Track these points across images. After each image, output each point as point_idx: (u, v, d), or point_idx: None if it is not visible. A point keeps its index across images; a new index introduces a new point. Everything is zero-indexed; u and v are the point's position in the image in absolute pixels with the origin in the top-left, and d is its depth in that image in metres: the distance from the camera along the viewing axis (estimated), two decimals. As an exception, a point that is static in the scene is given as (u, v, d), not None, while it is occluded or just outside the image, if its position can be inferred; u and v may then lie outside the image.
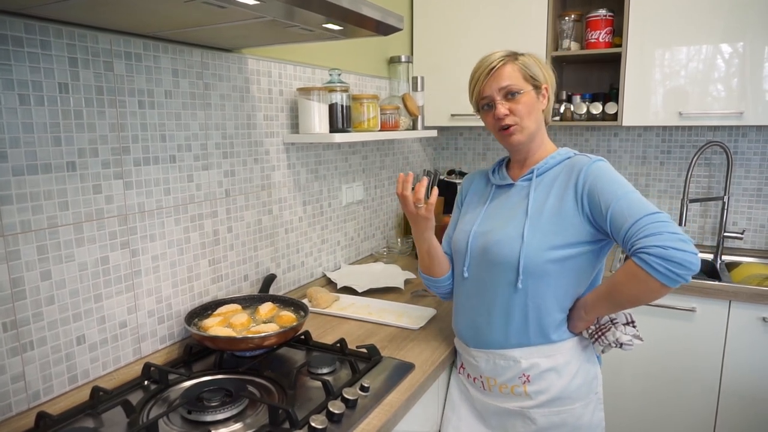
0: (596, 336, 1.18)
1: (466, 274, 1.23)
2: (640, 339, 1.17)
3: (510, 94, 1.15)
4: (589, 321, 1.17)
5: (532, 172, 1.20)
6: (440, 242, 1.35)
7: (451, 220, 1.41)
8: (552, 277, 1.13)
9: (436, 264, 1.31)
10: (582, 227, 1.11)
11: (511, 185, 1.24)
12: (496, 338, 1.19)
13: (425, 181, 1.20)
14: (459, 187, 1.41)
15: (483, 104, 1.19)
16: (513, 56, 1.17)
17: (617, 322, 1.17)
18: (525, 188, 1.21)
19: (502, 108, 1.15)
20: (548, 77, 1.20)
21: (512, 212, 1.19)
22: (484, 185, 1.32)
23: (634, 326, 1.18)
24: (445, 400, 1.36)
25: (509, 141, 1.19)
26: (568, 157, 1.19)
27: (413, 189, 1.20)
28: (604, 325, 1.18)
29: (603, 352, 1.21)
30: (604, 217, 1.07)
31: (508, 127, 1.17)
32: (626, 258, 2.21)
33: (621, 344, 1.16)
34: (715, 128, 2.26)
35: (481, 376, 1.24)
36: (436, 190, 1.20)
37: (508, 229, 1.16)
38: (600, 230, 1.11)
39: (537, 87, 1.18)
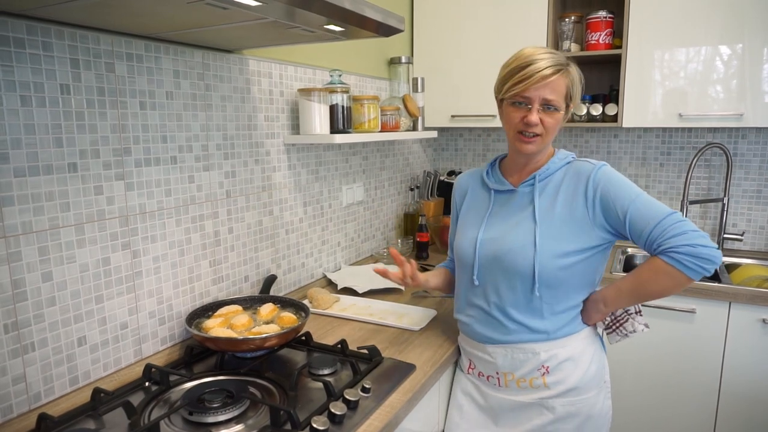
0: (614, 327, 1.24)
1: (476, 282, 1.23)
2: (648, 326, 1.24)
3: (548, 107, 1.13)
4: (606, 314, 1.22)
5: (533, 177, 1.20)
6: (445, 244, 1.40)
7: (450, 228, 1.42)
8: (564, 281, 1.15)
9: (443, 291, 1.45)
10: (592, 233, 1.14)
11: (512, 191, 1.23)
12: (514, 336, 1.20)
13: (408, 267, 1.30)
14: (452, 191, 1.40)
15: (517, 101, 1.14)
16: (566, 68, 1.13)
17: (631, 312, 1.23)
18: (528, 194, 1.21)
19: (536, 116, 1.12)
20: (579, 96, 1.18)
21: (518, 219, 1.19)
22: (481, 188, 1.31)
23: (641, 314, 1.24)
24: (449, 402, 1.36)
25: (524, 148, 1.16)
26: (568, 162, 1.20)
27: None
28: (620, 316, 1.24)
29: (618, 341, 1.26)
30: (622, 223, 1.11)
31: (532, 135, 1.14)
32: (625, 258, 2.22)
33: (634, 332, 1.23)
34: (715, 130, 2.26)
35: (497, 373, 1.24)
36: (414, 278, 1.31)
37: (519, 237, 1.16)
38: (613, 233, 1.15)
39: (568, 107, 1.17)
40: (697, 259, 1.05)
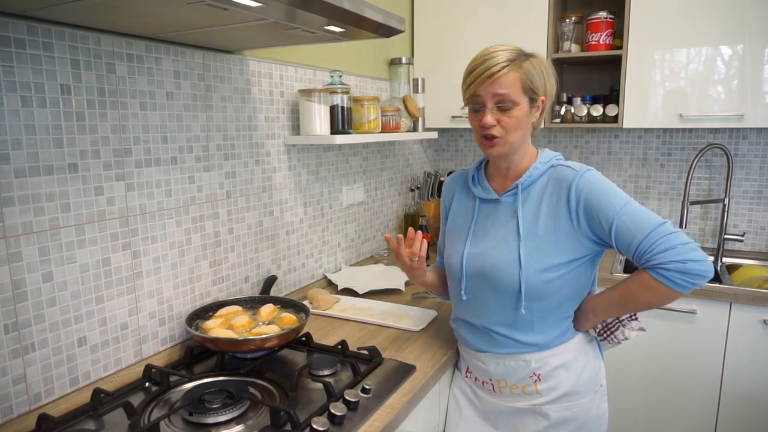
0: (605, 335, 1.22)
1: (464, 297, 1.22)
2: (644, 329, 1.21)
3: (502, 105, 1.09)
4: (596, 322, 1.20)
5: (516, 186, 1.16)
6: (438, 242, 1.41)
7: (440, 232, 1.40)
8: (552, 293, 1.13)
9: (435, 290, 1.39)
10: (578, 243, 1.11)
11: (496, 201, 1.19)
12: (505, 348, 1.19)
13: (419, 235, 1.25)
14: (442, 194, 1.37)
15: (473, 105, 1.12)
16: (519, 60, 1.08)
17: (623, 319, 1.20)
18: (512, 205, 1.17)
19: (491, 117, 1.09)
20: (549, 88, 1.13)
21: (503, 232, 1.16)
22: (467, 196, 1.27)
23: (636, 319, 1.21)
24: (448, 403, 1.36)
25: (488, 152, 1.14)
26: (552, 166, 1.15)
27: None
28: (611, 324, 1.21)
29: (610, 348, 1.25)
30: (607, 233, 1.06)
31: (492, 137, 1.11)
32: (626, 259, 2.22)
33: (626, 339, 1.20)
34: (716, 130, 2.26)
35: (491, 379, 1.23)
36: (425, 244, 1.26)
37: (503, 253, 1.14)
38: (600, 243, 1.11)
39: (533, 99, 1.11)
40: (687, 276, 1.01)
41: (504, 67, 1.07)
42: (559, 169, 1.14)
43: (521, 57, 1.09)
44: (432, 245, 2.27)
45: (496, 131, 1.10)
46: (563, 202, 1.10)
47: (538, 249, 1.11)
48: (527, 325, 1.16)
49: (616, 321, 1.21)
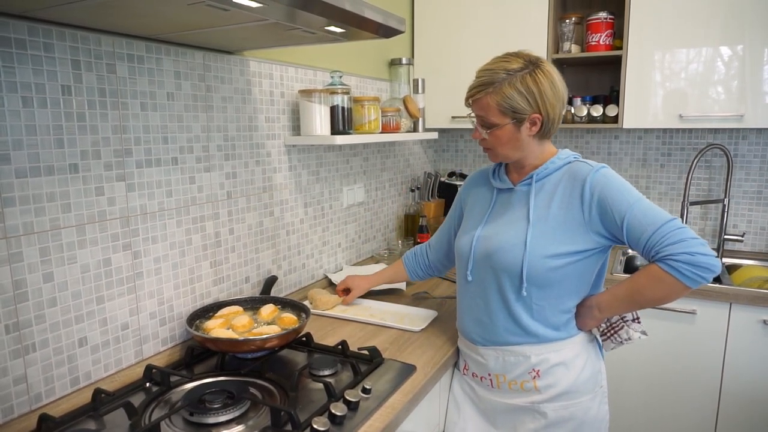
0: (609, 334, 1.23)
1: (470, 278, 1.23)
2: (646, 334, 1.22)
3: (484, 124, 1.16)
4: (601, 320, 1.20)
5: (531, 177, 1.20)
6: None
7: (445, 221, 1.45)
8: (554, 283, 1.14)
9: (398, 281, 1.63)
10: (587, 236, 1.12)
11: (511, 189, 1.23)
12: (503, 337, 1.20)
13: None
14: (459, 188, 1.42)
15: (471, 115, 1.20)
16: (499, 84, 1.09)
17: (627, 320, 1.21)
18: (525, 193, 1.20)
19: (478, 132, 1.18)
20: (545, 103, 1.11)
21: (513, 217, 1.19)
22: (486, 189, 1.31)
23: (639, 322, 1.22)
24: (448, 401, 1.36)
25: (489, 157, 1.23)
26: (569, 162, 1.18)
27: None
28: (615, 323, 1.22)
29: (613, 348, 1.25)
30: (619, 227, 1.09)
31: (485, 148, 1.20)
32: (626, 259, 2.22)
33: (630, 339, 1.21)
34: (716, 131, 2.26)
35: (489, 374, 1.24)
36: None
37: (510, 236, 1.16)
38: (609, 238, 1.13)
39: (519, 119, 1.12)
40: (695, 268, 1.03)
41: (479, 92, 1.13)
42: (575, 164, 1.17)
43: (507, 78, 1.10)
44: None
45: (485, 144, 1.19)
46: (577, 194, 1.13)
47: (546, 235, 1.13)
48: (527, 311, 1.16)
49: (621, 321, 1.21)
